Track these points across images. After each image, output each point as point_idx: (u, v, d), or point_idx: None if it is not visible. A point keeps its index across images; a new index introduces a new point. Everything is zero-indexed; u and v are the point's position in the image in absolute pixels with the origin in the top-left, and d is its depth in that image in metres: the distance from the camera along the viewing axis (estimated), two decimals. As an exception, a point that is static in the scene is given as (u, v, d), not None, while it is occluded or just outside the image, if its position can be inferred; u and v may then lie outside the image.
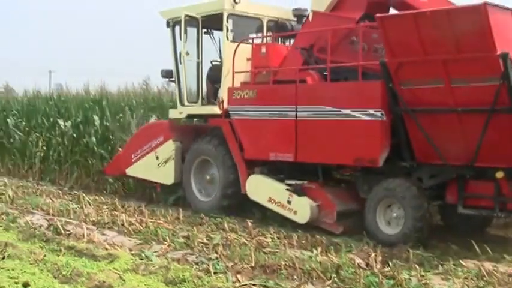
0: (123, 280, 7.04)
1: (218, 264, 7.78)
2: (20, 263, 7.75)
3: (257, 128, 11.17)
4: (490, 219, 10.43)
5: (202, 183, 12.34)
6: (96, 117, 16.58)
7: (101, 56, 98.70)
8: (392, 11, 10.19)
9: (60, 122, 17.46)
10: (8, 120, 19.81)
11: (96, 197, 13.70)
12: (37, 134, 18.22)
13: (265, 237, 9.59)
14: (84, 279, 7.00)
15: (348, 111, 9.78)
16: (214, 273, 7.39)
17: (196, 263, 7.95)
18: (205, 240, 9.26)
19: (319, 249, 8.74)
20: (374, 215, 9.61)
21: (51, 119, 18.35)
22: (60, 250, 8.47)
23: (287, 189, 10.64)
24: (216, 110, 12.00)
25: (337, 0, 10.60)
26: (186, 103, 12.71)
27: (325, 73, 10.57)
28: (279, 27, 12.33)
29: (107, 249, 8.56)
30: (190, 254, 8.41)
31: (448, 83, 8.64)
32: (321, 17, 10.80)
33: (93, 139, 16.13)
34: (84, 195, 13.76)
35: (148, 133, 13.40)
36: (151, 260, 8.02)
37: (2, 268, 7.55)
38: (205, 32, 12.65)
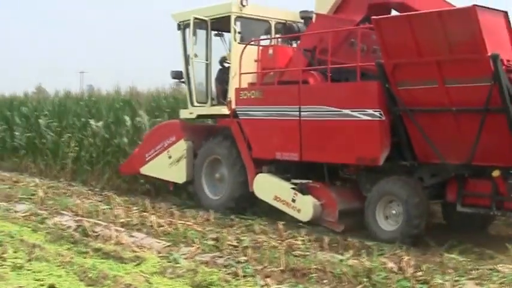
0: (150, 283, 6.94)
1: (247, 268, 7.65)
2: (47, 264, 7.74)
3: (263, 128, 11.40)
4: (491, 218, 10.43)
5: (212, 182, 12.54)
6: (127, 118, 16.53)
7: (131, 56, 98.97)
8: (394, 13, 10.38)
9: (92, 122, 17.46)
10: (40, 120, 19.91)
11: (127, 198, 13.64)
12: (69, 135, 18.24)
13: (296, 240, 9.41)
14: (110, 282, 6.91)
15: (347, 111, 9.97)
16: (243, 276, 7.26)
17: (225, 266, 7.82)
18: (234, 243, 9.12)
19: (351, 252, 8.55)
20: (374, 212, 9.79)
21: (83, 120, 18.38)
22: (88, 252, 8.39)
23: (292, 188, 10.83)
24: (224, 110, 12.33)
25: (339, 2, 10.80)
26: (196, 104, 13.03)
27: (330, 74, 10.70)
28: (286, 30, 12.48)
29: (134, 251, 8.48)
30: (219, 257, 8.28)
31: (442, 84, 8.81)
32: (323, 19, 11.04)
33: (125, 139, 16.06)
34: (114, 196, 13.76)
35: (161, 133, 13.65)
36: (179, 263, 7.90)
37: (29, 270, 7.58)
38: (216, 34, 12.94)
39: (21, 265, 7.69)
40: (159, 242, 9.26)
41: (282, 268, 7.58)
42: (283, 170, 11.30)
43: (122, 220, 10.87)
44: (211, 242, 9.16)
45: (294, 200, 10.76)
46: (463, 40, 8.50)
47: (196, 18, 12.61)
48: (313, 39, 11.11)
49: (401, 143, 9.64)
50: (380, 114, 9.58)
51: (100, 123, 17.16)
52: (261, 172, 11.47)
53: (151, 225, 10.31)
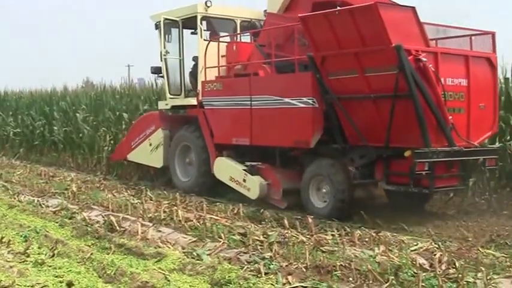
0: (168, 280, 6.72)
1: (271, 264, 7.38)
2: (68, 261, 7.60)
3: (222, 116, 12.73)
4: (428, 196, 11.34)
5: (184, 166, 13.95)
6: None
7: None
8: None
9: (125, 115, 17.39)
10: (77, 114, 19.99)
11: (160, 192, 13.52)
12: (104, 129, 18.24)
13: (326, 235, 9.14)
14: (127, 279, 6.72)
15: (288, 99, 11.16)
16: (265, 273, 6.97)
17: (249, 263, 7.55)
18: (261, 238, 8.85)
19: (381, 248, 8.16)
20: (307, 190, 10.99)
21: (117, 113, 18.33)
22: (110, 248, 8.22)
23: (243, 170, 12.10)
24: (193, 101, 13.69)
25: (288, 2, 12.01)
26: (171, 96, 14.39)
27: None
28: (250, 27, 13.65)
29: (158, 247, 8.27)
30: (244, 253, 8.00)
31: (361, 73, 9.92)
32: (272, 18, 12.31)
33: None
34: (147, 189, 13.65)
35: (143, 123, 15.23)
36: (201, 259, 7.67)
37: (50, 266, 7.45)
38: (191, 33, 14.02)
39: (43, 261, 7.56)
40: (185, 237, 9.05)
41: (306, 265, 7.29)
42: (241, 153, 12.55)
43: (150, 215, 10.72)
44: (237, 237, 8.90)
45: (244, 180, 12.00)
46: (371, 34, 9.56)
47: (166, 19, 14.00)
48: (265, 36, 12.32)
49: (333, 127, 10.68)
50: (313, 101, 10.72)
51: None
52: (221, 156, 12.69)
53: (180, 220, 10.14)
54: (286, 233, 9.12)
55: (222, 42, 13.20)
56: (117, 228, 9.63)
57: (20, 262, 7.58)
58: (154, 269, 7.08)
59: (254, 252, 8.00)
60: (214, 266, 7.02)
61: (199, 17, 13.52)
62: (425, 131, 9.58)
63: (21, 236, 8.96)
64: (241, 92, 12.14)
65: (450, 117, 9.85)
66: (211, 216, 10.47)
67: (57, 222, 10.07)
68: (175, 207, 11.27)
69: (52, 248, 8.08)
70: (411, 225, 10.07)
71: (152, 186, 14.48)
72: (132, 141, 15.27)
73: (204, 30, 13.83)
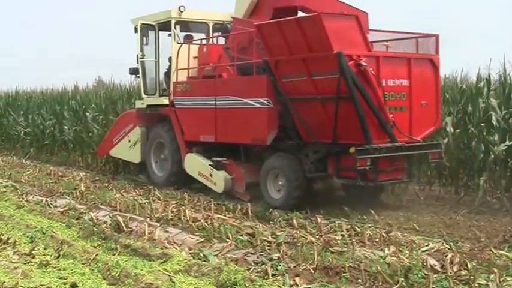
0: (173, 282, 6.61)
1: (279, 265, 7.25)
2: (73, 262, 7.53)
3: (191, 115, 13.57)
4: (380, 188, 12.24)
5: (159, 161, 14.83)
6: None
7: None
8: (301, 14, 12.06)
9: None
10: (87, 113, 19.90)
11: (168, 192, 13.42)
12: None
13: (335, 235, 8.99)
14: (131, 280, 6.62)
15: (246, 100, 12.03)
16: (273, 275, 6.85)
17: (256, 264, 7.43)
18: (270, 238, 8.71)
19: (392, 248, 8.00)
20: (265, 183, 11.81)
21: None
22: (116, 249, 8.12)
23: (210, 165, 12.91)
24: (166, 101, 14.43)
25: (252, 8, 12.68)
26: (146, 96, 15.19)
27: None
28: (223, 30, 14.31)
29: (164, 247, 8.18)
30: (252, 254, 7.87)
31: (309, 76, 10.81)
32: (238, 22, 13.00)
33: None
34: (155, 189, 13.56)
35: (123, 120, 16.08)
36: (208, 260, 7.56)
37: (54, 268, 7.38)
38: (169, 35, 14.55)
39: (48, 262, 7.48)
40: (192, 238, 8.95)
41: (314, 266, 7.15)
42: (209, 150, 13.33)
43: (158, 215, 10.62)
44: (245, 238, 8.79)
45: (211, 175, 12.82)
46: (315, 41, 10.46)
47: (143, 24, 14.82)
48: (231, 39, 13.20)
49: (287, 126, 11.51)
50: (268, 102, 11.59)
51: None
52: (191, 152, 13.50)
53: (187, 220, 10.03)
54: (295, 233, 8.96)
55: (193, 44, 14.05)
56: (124, 228, 9.53)
57: (24, 263, 7.51)
58: (159, 270, 6.97)
59: (262, 253, 7.88)
60: (220, 268, 6.89)
61: (173, 21, 14.28)
62: (366, 129, 10.45)
63: (27, 236, 8.88)
64: (207, 92, 13.06)
65: (391, 115, 10.75)
66: (219, 216, 10.36)
67: (64, 223, 9.99)
68: (183, 207, 11.17)
69: (57, 249, 8.00)
70: (422, 225, 9.95)
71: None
72: (113, 138, 16.16)
73: (180, 32, 14.59)
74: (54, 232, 9.07)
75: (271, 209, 10.98)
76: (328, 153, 11.21)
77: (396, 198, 12.60)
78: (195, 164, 13.39)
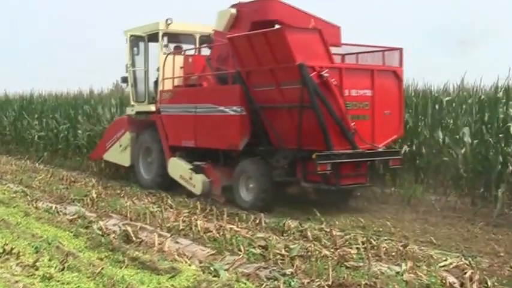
0: (180, 300, 6.32)
1: (292, 281, 6.96)
2: (78, 275, 7.22)
3: (175, 122, 14.35)
4: (349, 192, 12.90)
5: (147, 165, 15.58)
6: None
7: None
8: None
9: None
10: (99, 112, 19.72)
11: (181, 199, 13.18)
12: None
13: (351, 248, 8.68)
14: (137, 298, 6.34)
15: (222, 107, 12.76)
16: (285, 292, 6.56)
17: (268, 279, 7.14)
18: (283, 251, 8.42)
19: (409, 263, 7.68)
20: (237, 185, 12.51)
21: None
22: (124, 261, 7.82)
23: (190, 169, 13.66)
24: (153, 108, 15.30)
25: (232, 22, 13.34)
26: (135, 103, 16.20)
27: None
28: (209, 41, 14.72)
29: (174, 260, 7.89)
30: (264, 268, 7.57)
31: (277, 86, 11.58)
32: (218, 35, 13.62)
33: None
34: (168, 196, 13.33)
35: (116, 126, 17.15)
36: (218, 275, 7.26)
37: (58, 281, 7.07)
38: (165, 45, 15.49)
39: (51, 275, 7.18)
40: (203, 250, 8.68)
41: (329, 282, 6.84)
42: (191, 154, 14.07)
43: (169, 224, 10.37)
44: (258, 251, 8.50)
45: (190, 178, 13.56)
46: (280, 53, 11.20)
47: (132, 35, 15.85)
48: (213, 51, 13.96)
49: (259, 132, 12.22)
50: (241, 110, 12.28)
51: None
52: (174, 157, 14.27)
53: (199, 231, 9.76)
54: (309, 246, 8.67)
55: (178, 55, 14.81)
56: (134, 239, 9.25)
57: (27, 276, 7.22)
58: (166, 287, 6.68)
59: (274, 268, 7.58)
60: (230, 285, 6.61)
61: (160, 33, 15.17)
62: (328, 136, 11.21)
63: (32, 246, 8.57)
64: (189, 100, 13.87)
65: (353, 123, 11.45)
66: (232, 226, 10.08)
67: (72, 232, 9.69)
68: (195, 217, 10.91)
69: (62, 261, 7.70)
70: (439, 238, 9.64)
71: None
72: (107, 143, 17.08)
73: (166, 44, 15.52)
74: (60, 242, 8.77)
75: (285, 220, 10.66)
76: (296, 158, 11.86)
77: (412, 209, 12.29)
78: (177, 168, 14.15)
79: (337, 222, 10.89)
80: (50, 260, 7.95)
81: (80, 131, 20.92)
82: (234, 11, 13.38)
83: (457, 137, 12.99)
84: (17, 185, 15.54)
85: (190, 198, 13.20)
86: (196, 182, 13.41)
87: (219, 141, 12.99)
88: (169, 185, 14.47)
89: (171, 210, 11.97)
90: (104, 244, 8.74)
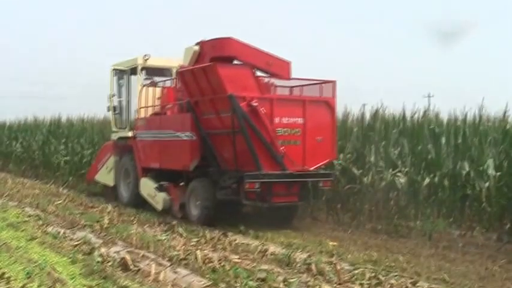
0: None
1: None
2: (63, 305, 6.91)
3: (145, 146, 16.20)
4: (294, 210, 14.29)
5: (127, 185, 17.24)
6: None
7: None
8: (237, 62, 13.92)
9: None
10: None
11: (193, 228, 12.91)
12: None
13: (354, 284, 8.25)
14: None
15: (178, 133, 14.43)
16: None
17: (261, 318, 6.76)
18: (281, 285, 8.01)
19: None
20: (189, 202, 14.14)
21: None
22: (113, 291, 7.52)
23: (155, 187, 15.43)
24: (130, 133, 17.10)
25: (195, 57, 14.36)
26: (118, 129, 18.02)
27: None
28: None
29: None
30: (258, 304, 7.19)
31: (217, 114, 13.25)
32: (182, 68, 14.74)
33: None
34: (180, 225, 13.07)
35: (104, 150, 19.06)
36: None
37: (42, 310, 6.76)
38: (145, 78, 17.04)
39: (36, 303, 6.93)
40: (200, 281, 8.30)
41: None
42: (160, 175, 15.60)
43: (173, 253, 10.01)
44: (255, 284, 8.08)
45: (155, 196, 15.36)
46: (215, 85, 12.92)
47: (114, 69, 17.76)
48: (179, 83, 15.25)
49: (208, 155, 13.77)
50: (192, 135, 13.92)
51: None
52: (145, 177, 16.01)
53: (200, 261, 9.40)
54: (310, 281, 8.25)
55: (151, 87, 16.48)
56: (131, 267, 8.94)
57: (10, 303, 6.97)
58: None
59: (269, 305, 7.18)
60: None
61: (139, 68, 16.87)
62: (256, 159, 12.69)
63: (25, 272, 8.34)
64: (155, 127, 15.74)
65: (282, 148, 12.95)
66: (234, 257, 9.71)
67: (70, 258, 9.45)
68: (201, 246, 10.58)
69: (50, 287, 7.44)
70: (453, 275, 9.13)
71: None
72: (98, 165, 19.11)
73: (148, 77, 16.99)
74: (53, 269, 8.51)
75: (292, 251, 10.24)
76: (238, 179, 12.96)
77: (432, 244, 11.78)
78: (146, 187, 15.88)
79: (349, 256, 10.45)
80: (38, 286, 7.73)
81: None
82: (197, 48, 14.36)
83: (481, 168, 12.44)
84: (33, 209, 15.43)
85: (198, 226, 13.04)
86: (159, 200, 15.21)
87: (175, 162, 14.68)
88: (141, 203, 16.05)
89: (180, 238, 11.65)
90: (98, 271, 8.46)
